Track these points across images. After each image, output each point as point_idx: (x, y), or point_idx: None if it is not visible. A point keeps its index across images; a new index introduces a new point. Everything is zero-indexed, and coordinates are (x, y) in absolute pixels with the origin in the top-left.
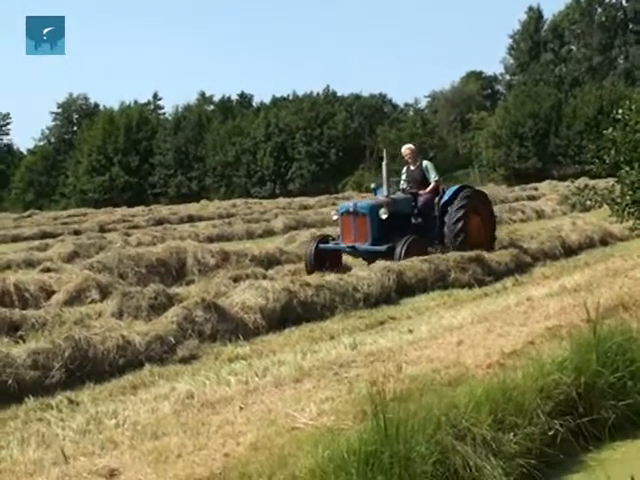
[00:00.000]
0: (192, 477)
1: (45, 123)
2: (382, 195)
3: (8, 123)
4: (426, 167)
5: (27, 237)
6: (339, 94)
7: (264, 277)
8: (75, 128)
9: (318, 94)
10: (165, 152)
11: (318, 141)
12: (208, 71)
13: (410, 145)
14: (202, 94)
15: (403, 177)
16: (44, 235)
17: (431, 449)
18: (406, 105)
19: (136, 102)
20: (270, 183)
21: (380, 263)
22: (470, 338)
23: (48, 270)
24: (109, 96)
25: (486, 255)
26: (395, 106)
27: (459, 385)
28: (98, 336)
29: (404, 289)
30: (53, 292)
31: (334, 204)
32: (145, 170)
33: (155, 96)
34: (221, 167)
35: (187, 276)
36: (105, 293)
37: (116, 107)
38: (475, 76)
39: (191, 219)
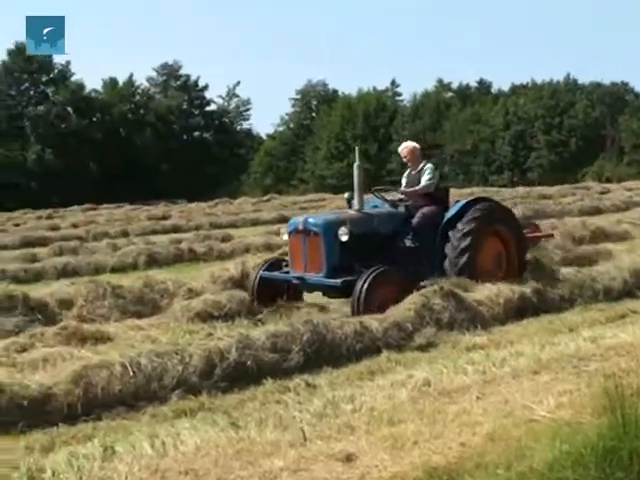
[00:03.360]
0: (428, 465)
1: (284, 109)
2: (354, 208)
3: (248, 109)
4: (424, 170)
5: (266, 221)
6: (580, 82)
7: None
8: (313, 114)
9: (558, 82)
10: (403, 139)
11: (558, 130)
12: (446, 58)
13: (409, 143)
14: (440, 81)
15: (403, 183)
16: (283, 219)
17: None
18: None
19: (374, 89)
20: (508, 171)
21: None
22: None
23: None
24: (347, 83)
25: None
26: (637, 95)
27: None
28: (336, 321)
29: None
30: None
31: (574, 194)
32: (383, 157)
33: (393, 83)
34: (459, 155)
35: None
36: None
37: (354, 93)
38: None
39: None
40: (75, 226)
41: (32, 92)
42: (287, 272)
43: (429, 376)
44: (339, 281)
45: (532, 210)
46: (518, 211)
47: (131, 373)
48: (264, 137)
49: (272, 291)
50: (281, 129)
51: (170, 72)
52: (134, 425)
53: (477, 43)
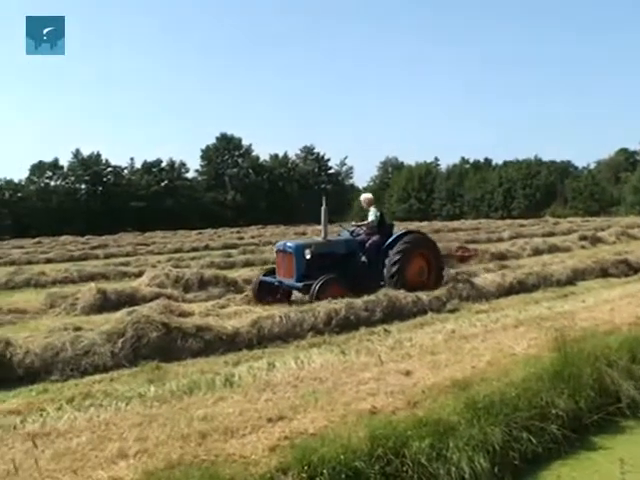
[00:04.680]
0: (453, 378)
1: (373, 172)
2: (321, 236)
3: (352, 171)
4: (369, 212)
5: None
6: (543, 159)
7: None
8: (389, 175)
9: (530, 159)
10: (441, 192)
11: (529, 187)
12: (466, 144)
13: (365, 195)
14: (462, 157)
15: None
16: None
17: (592, 372)
18: None
19: (425, 161)
20: (500, 210)
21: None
22: (618, 306)
23: None
24: (409, 157)
25: (630, 257)
26: (576, 168)
27: (611, 334)
28: (402, 295)
29: (580, 276)
30: None
31: (538, 224)
32: (429, 201)
33: (435, 158)
34: (472, 200)
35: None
36: None
37: (413, 164)
38: None
39: None
40: (252, 237)
41: (229, 161)
42: (274, 277)
43: (455, 327)
44: (301, 284)
45: (515, 232)
46: (505, 234)
47: (284, 321)
48: (361, 188)
49: (268, 291)
50: (371, 184)
51: (308, 150)
52: (285, 351)
53: (482, 138)
